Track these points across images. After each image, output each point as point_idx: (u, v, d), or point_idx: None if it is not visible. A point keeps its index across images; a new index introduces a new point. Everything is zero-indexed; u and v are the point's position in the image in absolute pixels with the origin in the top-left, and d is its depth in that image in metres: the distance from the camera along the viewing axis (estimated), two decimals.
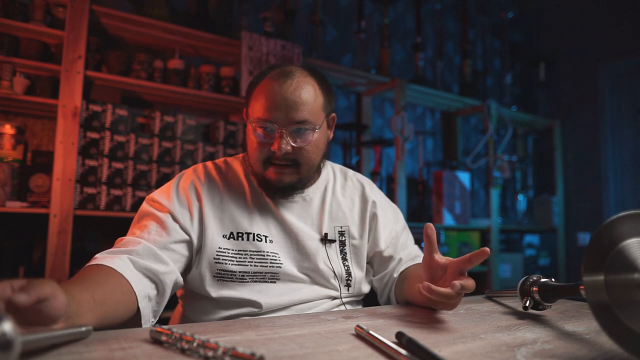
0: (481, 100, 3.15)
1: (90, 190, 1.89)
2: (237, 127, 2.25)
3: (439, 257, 0.77)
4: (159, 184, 2.03)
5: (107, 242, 2.07)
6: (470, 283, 0.71)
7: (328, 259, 0.96)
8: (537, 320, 0.77)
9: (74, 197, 1.81)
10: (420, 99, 3.02)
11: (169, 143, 2.08)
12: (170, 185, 0.93)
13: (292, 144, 0.88)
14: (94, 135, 1.92)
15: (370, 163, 2.86)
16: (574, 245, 3.46)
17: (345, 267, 0.97)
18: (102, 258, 0.75)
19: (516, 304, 0.90)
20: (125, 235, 0.86)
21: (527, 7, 3.93)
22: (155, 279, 0.79)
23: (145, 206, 0.90)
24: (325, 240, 0.97)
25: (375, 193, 1.08)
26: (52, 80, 1.90)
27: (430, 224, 0.78)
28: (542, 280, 0.79)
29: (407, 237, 1.09)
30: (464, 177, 2.97)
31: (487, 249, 0.70)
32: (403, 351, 0.53)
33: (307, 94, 0.89)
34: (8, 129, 1.83)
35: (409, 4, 3.27)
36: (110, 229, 2.11)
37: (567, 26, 3.65)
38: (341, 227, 1.00)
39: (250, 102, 0.93)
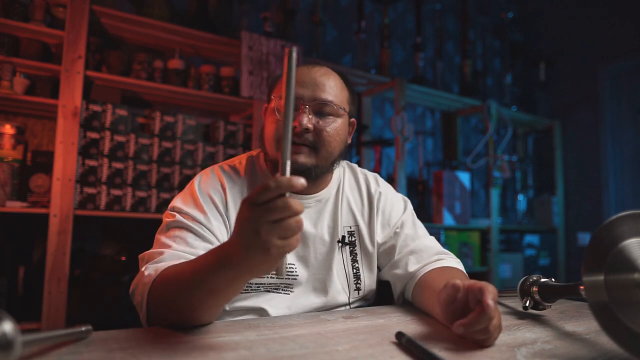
0: (481, 100, 3.14)
1: (90, 190, 1.89)
2: (237, 127, 2.25)
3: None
4: (159, 184, 2.03)
5: (107, 242, 2.08)
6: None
7: (342, 262, 0.94)
8: (537, 320, 0.77)
9: (74, 197, 1.81)
10: (420, 99, 3.02)
11: (169, 143, 2.08)
12: (193, 192, 0.87)
13: (314, 122, 0.86)
14: (94, 135, 1.92)
15: (370, 163, 2.86)
16: (574, 245, 3.46)
17: (354, 270, 0.95)
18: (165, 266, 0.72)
19: (516, 304, 0.90)
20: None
21: (527, 7, 3.93)
22: None
23: (174, 216, 0.84)
24: (342, 242, 0.94)
25: (381, 185, 1.03)
26: (52, 80, 1.90)
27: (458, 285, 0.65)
28: (542, 280, 0.79)
29: (415, 228, 1.01)
30: (464, 177, 2.97)
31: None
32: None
33: (334, 81, 0.90)
34: (8, 129, 1.84)
35: (409, 4, 3.27)
36: (110, 229, 2.11)
37: (567, 26, 3.65)
38: (350, 227, 0.97)
39: (275, 89, 0.92)
